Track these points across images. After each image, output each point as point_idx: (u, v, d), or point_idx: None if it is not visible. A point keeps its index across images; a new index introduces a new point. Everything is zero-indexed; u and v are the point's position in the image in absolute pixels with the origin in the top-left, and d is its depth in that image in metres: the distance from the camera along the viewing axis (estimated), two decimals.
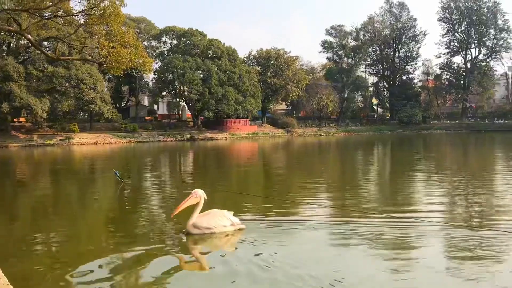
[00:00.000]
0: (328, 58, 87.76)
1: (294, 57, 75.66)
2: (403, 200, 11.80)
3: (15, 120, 52.29)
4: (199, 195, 7.77)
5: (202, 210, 7.89)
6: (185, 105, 67.90)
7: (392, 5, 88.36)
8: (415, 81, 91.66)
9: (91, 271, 6.07)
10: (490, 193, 12.60)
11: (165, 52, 66.25)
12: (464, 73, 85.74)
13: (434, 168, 21.03)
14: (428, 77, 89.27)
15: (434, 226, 8.44)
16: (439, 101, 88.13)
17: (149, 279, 5.83)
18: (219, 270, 6.16)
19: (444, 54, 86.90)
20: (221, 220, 7.78)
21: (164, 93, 67.82)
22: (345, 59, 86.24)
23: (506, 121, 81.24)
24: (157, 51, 67.61)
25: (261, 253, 6.80)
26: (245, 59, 73.78)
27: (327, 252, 7.04)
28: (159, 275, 5.94)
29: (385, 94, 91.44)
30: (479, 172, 18.33)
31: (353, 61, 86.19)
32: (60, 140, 49.53)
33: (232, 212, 8.09)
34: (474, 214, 9.81)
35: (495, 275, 5.84)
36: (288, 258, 6.57)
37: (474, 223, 8.66)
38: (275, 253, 6.83)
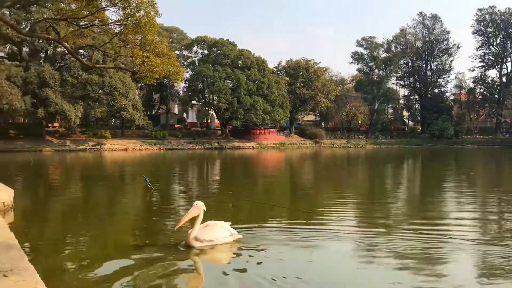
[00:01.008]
0: (359, 70, 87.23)
1: (324, 68, 75.57)
2: (433, 215, 11.53)
3: (49, 125, 53.82)
4: (200, 207, 7.66)
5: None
6: (213, 113, 68.51)
7: (425, 17, 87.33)
8: (447, 94, 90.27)
9: (107, 276, 6.16)
10: None
11: (196, 62, 67.20)
12: (498, 87, 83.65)
13: (466, 184, 20.50)
14: (461, 91, 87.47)
15: (465, 243, 8.22)
16: (472, 115, 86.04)
17: None
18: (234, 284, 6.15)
19: (478, 67, 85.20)
20: (221, 231, 7.71)
21: (194, 102, 68.67)
22: (376, 70, 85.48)
23: None
24: (188, 60, 68.63)
25: (283, 265, 6.81)
26: (274, 69, 74.05)
27: (350, 266, 6.98)
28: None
29: (416, 107, 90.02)
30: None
31: (384, 73, 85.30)
32: (92, 145, 50.66)
33: (230, 223, 8.04)
34: (507, 231, 9.51)
35: None
36: (308, 270, 6.57)
37: (506, 241, 8.38)
38: (297, 265, 6.83)
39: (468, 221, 10.58)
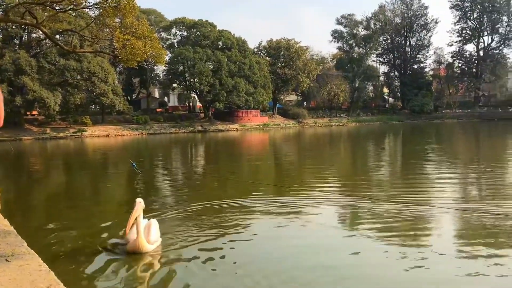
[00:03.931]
0: (339, 48, 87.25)
1: (305, 47, 75.22)
2: (414, 187, 11.86)
3: (28, 113, 52.78)
4: (143, 204, 6.56)
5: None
6: (195, 96, 67.97)
7: None
8: (426, 70, 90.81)
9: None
10: (505, 178, 12.61)
11: (175, 44, 66.24)
12: (476, 61, 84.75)
13: (446, 156, 20.93)
14: (440, 66, 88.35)
15: (446, 211, 8.55)
16: (451, 90, 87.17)
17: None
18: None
19: (456, 42, 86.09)
20: (158, 229, 6.87)
21: (174, 85, 67.89)
22: (356, 48, 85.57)
23: None
24: (167, 43, 67.52)
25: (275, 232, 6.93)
26: (255, 50, 73.52)
27: (335, 238, 7.26)
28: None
29: (396, 84, 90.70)
30: (492, 159, 18.21)
31: (364, 50, 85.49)
32: (73, 132, 49.98)
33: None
34: (486, 198, 9.92)
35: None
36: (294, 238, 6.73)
37: (487, 208, 8.65)
38: (289, 236, 7.05)
39: (450, 191, 11.01)
